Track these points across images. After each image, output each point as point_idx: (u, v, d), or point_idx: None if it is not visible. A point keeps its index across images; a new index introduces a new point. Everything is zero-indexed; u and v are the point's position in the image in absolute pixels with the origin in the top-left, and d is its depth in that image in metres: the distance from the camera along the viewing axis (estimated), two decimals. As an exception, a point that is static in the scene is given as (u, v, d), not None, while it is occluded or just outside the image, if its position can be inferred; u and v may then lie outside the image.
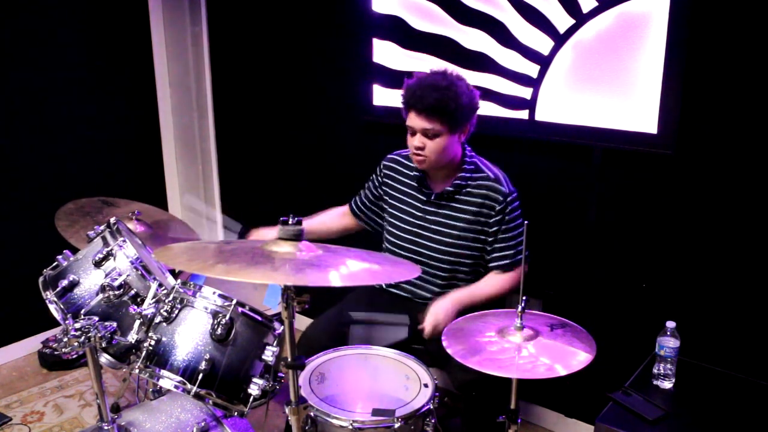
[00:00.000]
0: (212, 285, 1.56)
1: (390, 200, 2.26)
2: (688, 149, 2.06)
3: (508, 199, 2.07)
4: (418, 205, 2.17)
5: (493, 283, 2.10)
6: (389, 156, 2.31)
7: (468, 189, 2.10)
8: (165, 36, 3.42)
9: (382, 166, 2.30)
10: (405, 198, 2.21)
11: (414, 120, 2.02)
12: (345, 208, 2.42)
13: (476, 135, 2.12)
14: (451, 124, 2.00)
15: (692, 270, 2.14)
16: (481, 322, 1.68)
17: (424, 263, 2.14)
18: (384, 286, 2.28)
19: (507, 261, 2.09)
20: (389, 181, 2.27)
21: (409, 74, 2.10)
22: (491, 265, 2.12)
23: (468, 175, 2.11)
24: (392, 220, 2.24)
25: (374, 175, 2.33)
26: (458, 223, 2.11)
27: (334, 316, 2.19)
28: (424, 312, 1.97)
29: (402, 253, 2.20)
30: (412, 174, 2.20)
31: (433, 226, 2.14)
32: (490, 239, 2.10)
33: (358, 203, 2.38)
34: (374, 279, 1.58)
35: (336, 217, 2.42)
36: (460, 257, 2.12)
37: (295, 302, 1.40)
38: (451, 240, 2.12)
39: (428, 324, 1.94)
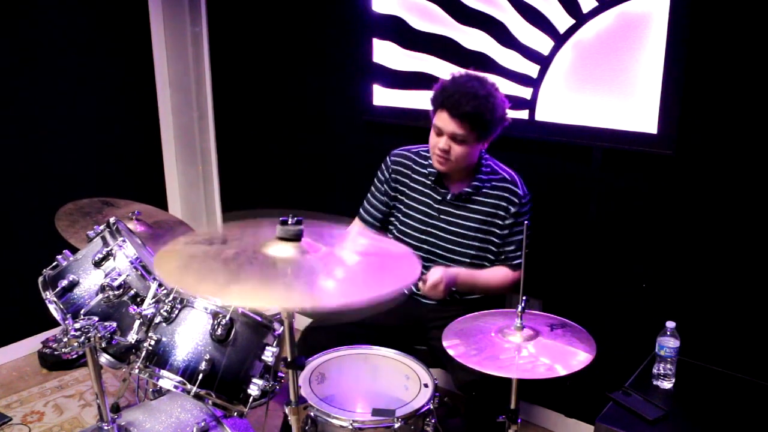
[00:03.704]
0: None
1: (402, 197, 2.21)
2: (688, 149, 2.06)
3: (523, 200, 2.09)
4: (433, 204, 2.15)
5: (496, 273, 2.10)
6: (396, 152, 2.24)
7: (485, 190, 2.10)
8: (165, 36, 3.42)
9: (390, 162, 2.23)
10: (418, 197, 2.18)
11: (445, 122, 1.98)
12: (357, 227, 2.27)
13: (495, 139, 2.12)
14: (481, 133, 1.99)
15: (692, 270, 2.14)
16: (481, 322, 1.68)
17: (437, 263, 2.13)
18: None
19: (517, 261, 2.09)
20: (400, 178, 2.21)
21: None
22: (497, 261, 2.13)
23: (485, 177, 2.11)
24: (404, 218, 2.21)
25: (381, 173, 2.25)
26: (473, 224, 2.11)
27: (335, 316, 2.18)
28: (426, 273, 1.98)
29: (415, 252, 2.16)
30: (426, 172, 2.16)
31: (447, 227, 2.13)
32: (499, 241, 2.11)
33: (370, 210, 2.27)
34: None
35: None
36: (473, 258, 2.12)
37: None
38: (465, 241, 2.11)
39: (430, 279, 1.94)
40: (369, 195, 2.30)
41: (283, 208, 1.49)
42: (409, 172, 2.20)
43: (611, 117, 2.18)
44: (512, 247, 2.10)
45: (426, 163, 2.17)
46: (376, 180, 2.28)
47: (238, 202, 3.66)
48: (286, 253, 1.33)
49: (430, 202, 2.16)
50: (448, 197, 2.12)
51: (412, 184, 2.20)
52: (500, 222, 2.09)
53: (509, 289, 2.11)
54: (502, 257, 2.12)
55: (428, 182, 2.16)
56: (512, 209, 2.07)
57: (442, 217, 2.14)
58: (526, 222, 1.63)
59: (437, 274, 1.95)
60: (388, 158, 2.25)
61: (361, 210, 2.30)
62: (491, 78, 2.05)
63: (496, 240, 2.11)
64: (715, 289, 2.10)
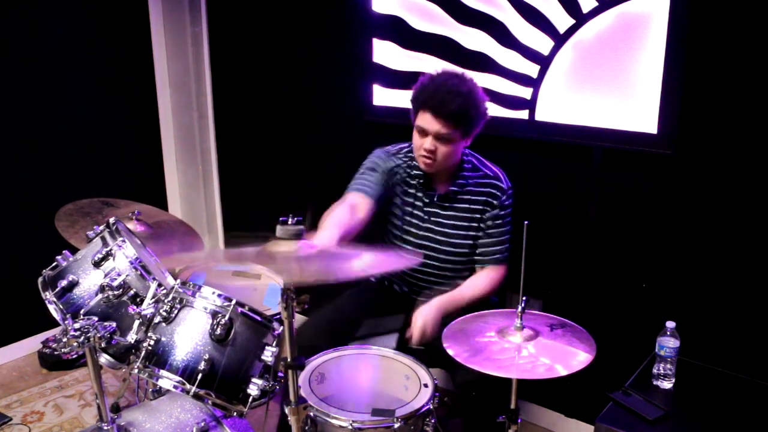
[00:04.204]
0: (212, 285, 1.56)
1: (397, 195, 2.16)
2: (688, 149, 2.06)
3: (507, 192, 2.10)
4: (423, 207, 2.14)
5: (476, 284, 2.09)
6: (389, 148, 2.17)
7: (469, 188, 2.10)
8: (165, 36, 3.42)
9: (391, 154, 2.15)
10: (409, 200, 2.15)
11: (429, 122, 1.95)
12: (355, 200, 2.02)
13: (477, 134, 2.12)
14: (466, 131, 1.98)
15: (692, 270, 2.14)
16: (481, 322, 1.68)
17: (434, 266, 2.12)
18: (386, 283, 2.27)
19: (496, 256, 2.09)
20: (396, 176, 2.15)
21: (415, 75, 2.04)
22: (478, 259, 2.12)
23: (468, 174, 2.11)
24: (401, 224, 2.16)
25: (378, 158, 2.13)
26: (463, 222, 2.10)
27: (330, 315, 2.18)
28: (410, 319, 1.95)
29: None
30: (413, 173, 2.14)
31: (439, 228, 2.12)
32: (480, 233, 2.11)
33: (365, 182, 2.07)
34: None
35: (352, 214, 1.97)
36: (469, 255, 2.12)
37: (294, 302, 1.40)
38: (458, 240, 2.11)
39: (416, 331, 1.91)
40: (362, 173, 2.11)
41: (282, 209, 1.49)
42: (401, 170, 2.16)
43: (611, 117, 2.18)
44: (492, 239, 2.09)
45: (413, 164, 2.13)
46: (372, 161, 2.13)
47: (238, 202, 3.66)
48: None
49: (420, 204, 2.14)
50: (435, 198, 2.11)
51: (404, 188, 2.16)
52: (483, 216, 2.10)
53: (497, 289, 2.10)
54: (482, 250, 2.10)
55: (416, 184, 2.13)
56: (496, 202, 2.08)
57: (432, 219, 2.13)
58: (526, 222, 1.63)
59: (419, 321, 1.91)
60: (385, 151, 2.17)
61: (352, 184, 2.09)
62: (468, 74, 2.02)
63: (479, 234, 2.11)
64: (715, 289, 2.10)
